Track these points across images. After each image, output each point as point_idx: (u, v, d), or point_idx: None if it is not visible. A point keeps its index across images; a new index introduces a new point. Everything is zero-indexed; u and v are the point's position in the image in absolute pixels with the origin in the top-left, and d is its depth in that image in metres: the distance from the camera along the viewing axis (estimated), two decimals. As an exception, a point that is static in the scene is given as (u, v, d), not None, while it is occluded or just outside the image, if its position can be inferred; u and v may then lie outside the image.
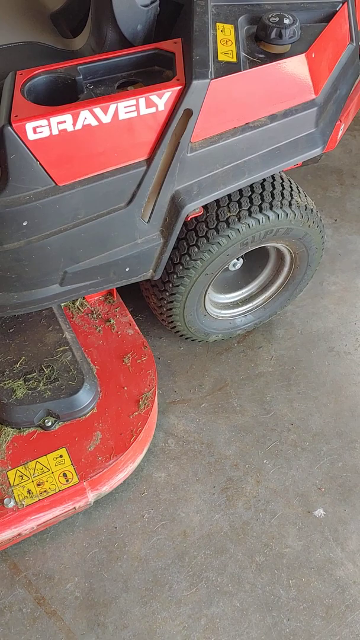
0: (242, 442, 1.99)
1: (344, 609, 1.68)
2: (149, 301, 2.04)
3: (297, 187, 1.91)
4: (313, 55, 1.56)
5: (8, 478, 1.65)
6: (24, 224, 1.48)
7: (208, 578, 1.72)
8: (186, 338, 2.11)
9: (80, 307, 2.02)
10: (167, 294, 1.88)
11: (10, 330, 1.86)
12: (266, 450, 1.98)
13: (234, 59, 1.49)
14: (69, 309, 2.01)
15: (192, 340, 2.15)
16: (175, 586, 1.71)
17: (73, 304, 2.02)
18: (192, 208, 1.61)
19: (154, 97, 1.41)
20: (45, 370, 1.78)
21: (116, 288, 2.02)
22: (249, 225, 1.75)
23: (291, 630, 1.64)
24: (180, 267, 1.80)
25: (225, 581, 1.72)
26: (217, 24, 1.56)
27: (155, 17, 1.60)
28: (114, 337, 1.96)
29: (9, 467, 1.67)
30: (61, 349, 1.82)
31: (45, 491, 1.64)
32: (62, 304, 2.01)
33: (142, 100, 1.40)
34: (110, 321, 2.00)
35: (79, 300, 2.04)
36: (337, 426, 2.04)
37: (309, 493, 1.89)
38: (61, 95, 1.45)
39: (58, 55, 1.66)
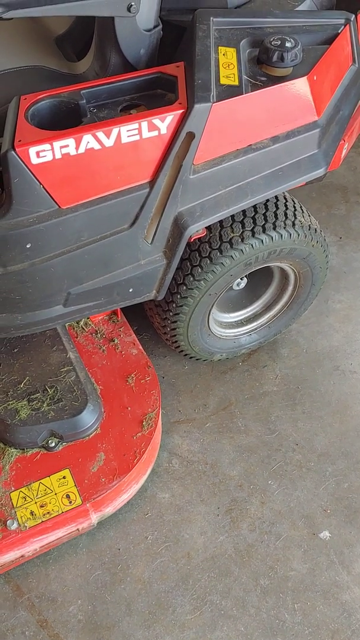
0: (246, 463, 1.98)
1: (350, 634, 1.65)
2: (152, 321, 2.04)
3: (301, 206, 1.91)
4: (315, 78, 1.57)
5: (11, 499, 1.65)
6: (28, 246, 1.49)
7: (212, 601, 1.70)
8: (190, 357, 2.11)
9: (84, 327, 2.02)
10: (170, 314, 1.88)
11: (15, 350, 1.87)
12: (271, 471, 1.96)
13: (236, 82, 1.50)
14: (73, 328, 2.02)
15: (197, 360, 2.14)
16: (179, 609, 1.69)
17: (77, 323, 2.03)
18: (195, 229, 1.62)
19: (156, 121, 1.42)
20: (49, 390, 1.78)
21: (120, 308, 2.03)
22: (252, 245, 1.76)
23: (296, 655, 1.62)
24: (184, 288, 1.80)
25: (230, 605, 1.70)
26: (219, 47, 1.57)
27: (158, 41, 1.62)
28: (118, 357, 1.96)
29: (12, 489, 1.67)
30: (65, 369, 1.83)
31: (48, 513, 1.63)
32: (66, 324, 2.02)
33: (144, 124, 1.41)
34: (114, 341, 2.00)
35: (83, 319, 2.04)
36: (343, 446, 2.02)
37: (315, 515, 1.87)
38: (65, 119, 1.47)
39: (62, 79, 1.68)
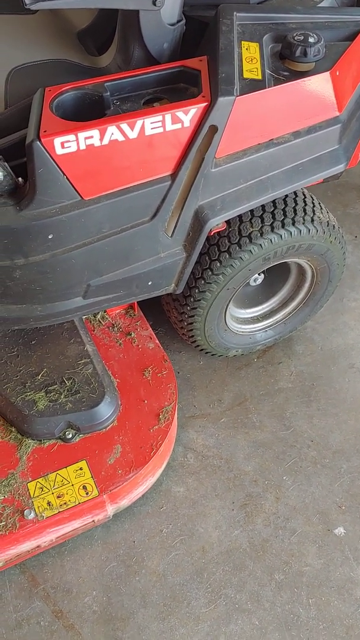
0: (261, 458, 1.98)
1: (365, 630, 1.66)
2: (169, 315, 2.04)
3: (319, 203, 1.91)
4: (337, 73, 1.57)
5: (28, 489, 1.66)
6: (50, 237, 1.50)
7: (227, 595, 1.71)
8: (206, 352, 2.12)
9: (101, 320, 2.03)
10: (188, 308, 1.88)
11: (32, 342, 1.88)
12: (286, 467, 1.96)
13: (259, 77, 1.50)
14: (90, 322, 2.02)
15: (212, 355, 2.15)
16: (194, 602, 1.69)
17: (94, 317, 2.04)
18: (215, 223, 1.62)
19: (179, 114, 1.43)
20: (66, 382, 1.79)
21: (137, 302, 2.03)
22: (271, 240, 1.76)
23: (311, 650, 1.62)
24: (202, 282, 1.81)
25: (244, 598, 1.70)
26: (243, 42, 1.57)
27: (181, 36, 1.63)
28: (135, 351, 1.97)
29: (29, 479, 1.68)
30: (82, 361, 1.83)
31: (65, 503, 1.64)
32: (84, 317, 2.02)
33: (168, 117, 1.42)
34: (131, 334, 2.01)
35: (100, 313, 2.05)
36: (358, 443, 2.02)
37: (329, 511, 1.87)
38: (88, 111, 1.48)
39: (85, 73, 1.69)
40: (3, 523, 1.59)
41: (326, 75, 1.55)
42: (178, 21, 1.59)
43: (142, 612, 1.67)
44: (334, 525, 1.84)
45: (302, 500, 1.89)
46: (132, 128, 1.41)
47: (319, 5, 1.83)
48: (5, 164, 1.42)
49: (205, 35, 1.67)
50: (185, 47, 1.68)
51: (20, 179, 1.48)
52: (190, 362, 2.22)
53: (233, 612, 1.68)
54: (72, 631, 1.64)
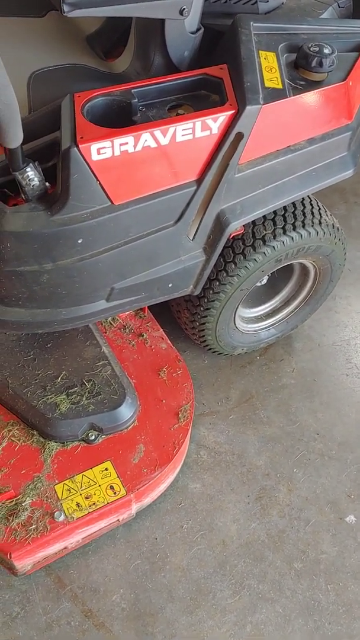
0: (271, 452, 2.05)
1: (382, 612, 1.75)
2: (179, 316, 2.08)
3: (323, 206, 1.99)
4: (350, 83, 1.65)
5: (56, 492, 1.67)
6: (79, 241, 1.51)
7: (250, 586, 1.77)
8: (213, 351, 2.17)
9: (112, 322, 2.05)
10: (201, 309, 1.93)
11: (48, 346, 1.89)
12: (295, 460, 2.04)
13: (280, 86, 1.56)
14: (102, 323, 2.04)
15: (218, 354, 2.20)
16: (219, 594, 1.74)
17: (105, 319, 2.06)
18: (235, 227, 1.67)
19: (209, 121, 1.47)
20: (86, 384, 1.81)
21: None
22: (283, 242, 1.83)
23: (333, 633, 1.70)
24: (217, 283, 1.85)
25: (267, 588, 1.77)
26: (260, 51, 1.63)
27: (199, 43, 1.67)
28: (148, 351, 2.00)
29: (56, 481, 1.69)
30: (100, 363, 1.85)
31: (94, 504, 1.66)
32: (95, 319, 2.04)
33: (198, 124, 1.46)
34: (143, 336, 2.04)
35: (111, 315, 2.07)
36: (360, 435, 2.12)
37: (339, 500, 1.96)
38: (115, 116, 1.50)
39: (103, 78, 1.70)
40: (34, 526, 1.60)
41: (341, 86, 1.62)
42: (197, 29, 1.63)
43: (170, 607, 1.71)
44: (345, 514, 1.93)
45: (314, 491, 1.97)
46: (164, 135, 1.44)
47: (322, 17, 1.90)
48: (40, 169, 1.43)
49: (221, 44, 1.72)
50: (199, 55, 1.72)
51: (47, 183, 1.49)
52: (195, 361, 2.27)
53: (257, 601, 1.74)
54: (103, 629, 1.66)
